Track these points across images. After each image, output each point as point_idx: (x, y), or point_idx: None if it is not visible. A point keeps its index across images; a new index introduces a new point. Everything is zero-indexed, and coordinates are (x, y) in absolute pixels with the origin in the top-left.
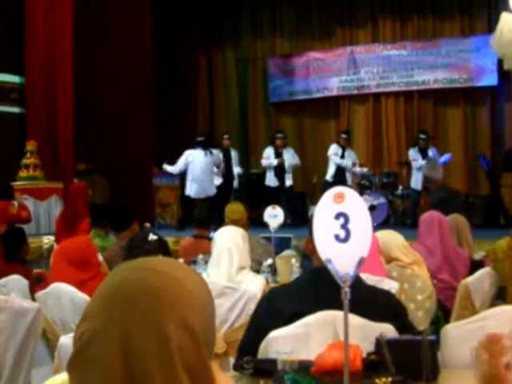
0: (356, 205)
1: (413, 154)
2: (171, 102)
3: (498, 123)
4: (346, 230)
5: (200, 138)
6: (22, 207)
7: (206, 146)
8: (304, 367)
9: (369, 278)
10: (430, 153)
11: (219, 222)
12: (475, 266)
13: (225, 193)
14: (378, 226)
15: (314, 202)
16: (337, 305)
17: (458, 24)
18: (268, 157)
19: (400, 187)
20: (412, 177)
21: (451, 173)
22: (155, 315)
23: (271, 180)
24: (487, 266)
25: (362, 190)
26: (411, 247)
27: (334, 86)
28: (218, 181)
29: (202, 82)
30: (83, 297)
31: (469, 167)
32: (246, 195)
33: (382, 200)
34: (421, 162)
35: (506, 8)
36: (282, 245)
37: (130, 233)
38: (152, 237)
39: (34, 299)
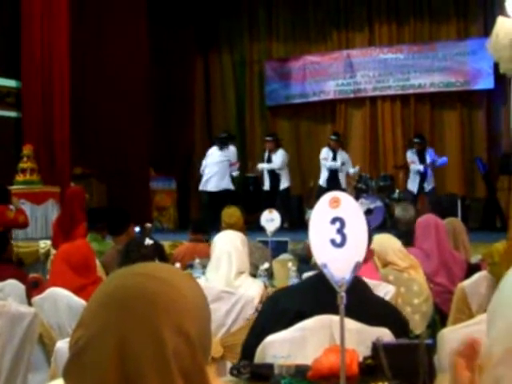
0: (352, 209)
1: (410, 156)
2: (168, 105)
3: (495, 126)
4: (341, 234)
5: (222, 135)
6: (19, 212)
7: (224, 141)
8: (301, 372)
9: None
10: (428, 156)
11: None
12: (472, 269)
13: (222, 197)
14: (375, 229)
15: (311, 205)
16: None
17: (454, 27)
18: (262, 161)
19: (397, 191)
20: (408, 179)
21: (448, 176)
22: (151, 320)
23: (265, 184)
24: (484, 269)
25: (358, 193)
26: (408, 251)
27: (330, 89)
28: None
29: (198, 85)
30: (80, 301)
31: (465, 170)
32: (242, 199)
33: (379, 203)
34: (418, 165)
35: (501, 12)
36: (278, 249)
37: (126, 237)
38: (148, 241)
39: (30, 304)
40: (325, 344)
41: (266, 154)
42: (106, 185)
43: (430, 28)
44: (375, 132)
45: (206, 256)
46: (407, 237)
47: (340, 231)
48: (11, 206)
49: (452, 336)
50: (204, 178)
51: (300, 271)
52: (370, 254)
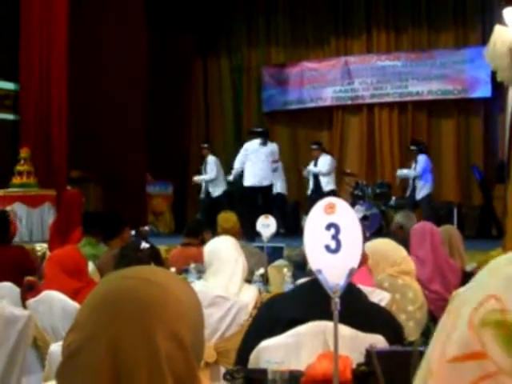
0: (347, 216)
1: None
2: (166, 110)
3: (492, 134)
4: (336, 240)
5: (258, 129)
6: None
7: (267, 137)
8: (294, 377)
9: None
10: (418, 163)
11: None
12: (467, 277)
13: (210, 203)
14: (371, 236)
15: (308, 211)
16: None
17: (452, 35)
18: None
19: (393, 198)
20: (408, 187)
21: (444, 183)
22: (144, 324)
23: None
24: None
25: (354, 200)
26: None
27: (327, 96)
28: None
29: (196, 90)
30: (74, 305)
31: (462, 178)
32: (238, 204)
33: (375, 210)
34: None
35: (499, 20)
36: (274, 254)
37: (119, 240)
38: (144, 245)
39: (25, 307)
40: (319, 350)
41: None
42: (103, 189)
43: (428, 36)
44: (372, 139)
45: (199, 260)
46: (407, 244)
47: (335, 237)
48: None
49: None
50: (246, 174)
51: (295, 277)
52: (363, 259)
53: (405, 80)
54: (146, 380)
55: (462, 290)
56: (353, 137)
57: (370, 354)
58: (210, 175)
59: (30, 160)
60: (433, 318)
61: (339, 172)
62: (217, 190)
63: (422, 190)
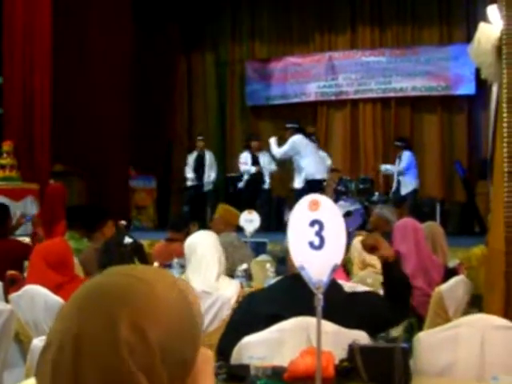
0: (331, 212)
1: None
2: (149, 104)
3: (475, 131)
4: (320, 237)
5: (295, 125)
6: None
7: (304, 132)
8: (277, 373)
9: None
10: (402, 159)
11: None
12: (449, 273)
13: (197, 196)
14: (354, 231)
15: (291, 206)
16: (313, 310)
17: (437, 32)
18: (246, 162)
19: (376, 193)
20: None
21: (427, 179)
22: (106, 311)
23: (248, 185)
24: (461, 273)
25: (338, 196)
26: None
27: (311, 91)
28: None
29: (180, 84)
30: (57, 299)
31: (445, 174)
32: (221, 200)
33: (358, 206)
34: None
35: (484, 18)
36: (257, 249)
37: (101, 234)
38: (128, 240)
39: (7, 301)
40: (301, 346)
41: (250, 155)
42: (86, 183)
43: (412, 32)
44: (356, 134)
45: (180, 255)
46: (390, 238)
47: (318, 234)
48: None
49: (428, 340)
50: (309, 170)
51: (278, 273)
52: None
53: (389, 76)
54: (109, 372)
55: (444, 286)
56: (336, 132)
57: (352, 349)
58: (214, 170)
59: (13, 153)
60: (415, 314)
61: None
62: (209, 184)
63: (408, 186)
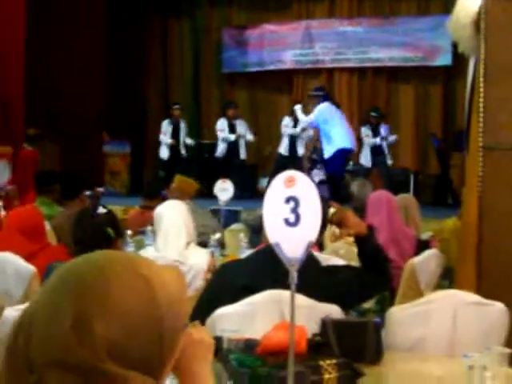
0: (307, 189)
1: (364, 131)
2: (124, 70)
3: (451, 103)
4: (296, 214)
5: (320, 92)
6: None
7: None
8: (249, 347)
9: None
10: (382, 130)
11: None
12: (422, 245)
13: (172, 164)
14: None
15: (266, 174)
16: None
17: (415, 3)
18: (223, 129)
19: (351, 163)
20: (361, 154)
21: (401, 150)
22: (58, 296)
23: (223, 152)
24: (434, 246)
25: (312, 164)
26: None
27: (287, 59)
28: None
29: (155, 49)
30: (28, 267)
31: (419, 145)
32: (196, 167)
33: None
34: (373, 139)
35: None
36: (230, 218)
37: (78, 202)
38: (101, 210)
39: None
40: (274, 319)
41: (227, 122)
42: (59, 147)
43: (390, 3)
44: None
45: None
46: (361, 212)
47: (294, 210)
48: None
49: (399, 315)
50: (339, 139)
51: (252, 242)
52: None
53: (366, 46)
54: (50, 351)
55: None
56: None
57: (325, 324)
58: (189, 137)
59: None
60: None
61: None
62: (185, 151)
63: (388, 158)
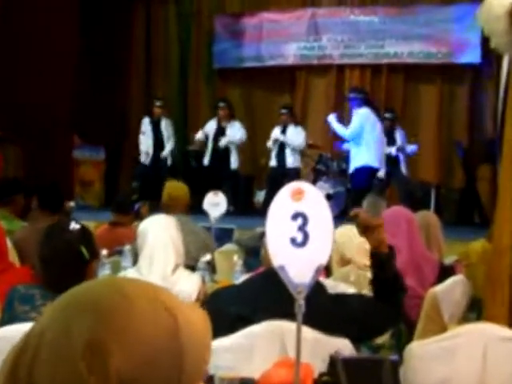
0: (317, 203)
1: None
2: (100, 63)
3: (478, 107)
4: (303, 232)
5: (359, 95)
6: None
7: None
8: None
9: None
10: (398, 137)
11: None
12: (445, 271)
13: (151, 173)
14: (335, 218)
15: (262, 187)
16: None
17: None
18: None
19: None
20: None
21: (421, 161)
22: (68, 318)
23: (209, 160)
24: (459, 272)
25: (317, 176)
26: None
27: (290, 53)
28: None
29: (137, 40)
30: None
31: (442, 155)
32: (181, 177)
33: (340, 188)
34: (387, 148)
35: None
36: (222, 237)
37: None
38: (74, 226)
39: None
40: (275, 355)
41: (216, 124)
42: (22, 151)
43: None
44: (340, 105)
45: (128, 241)
46: None
47: (302, 229)
48: None
49: (421, 351)
50: (379, 145)
51: (247, 266)
52: None
53: (381, 39)
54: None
55: (439, 287)
56: (318, 102)
57: (334, 361)
58: (172, 141)
59: None
60: (404, 318)
61: None
62: (167, 158)
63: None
